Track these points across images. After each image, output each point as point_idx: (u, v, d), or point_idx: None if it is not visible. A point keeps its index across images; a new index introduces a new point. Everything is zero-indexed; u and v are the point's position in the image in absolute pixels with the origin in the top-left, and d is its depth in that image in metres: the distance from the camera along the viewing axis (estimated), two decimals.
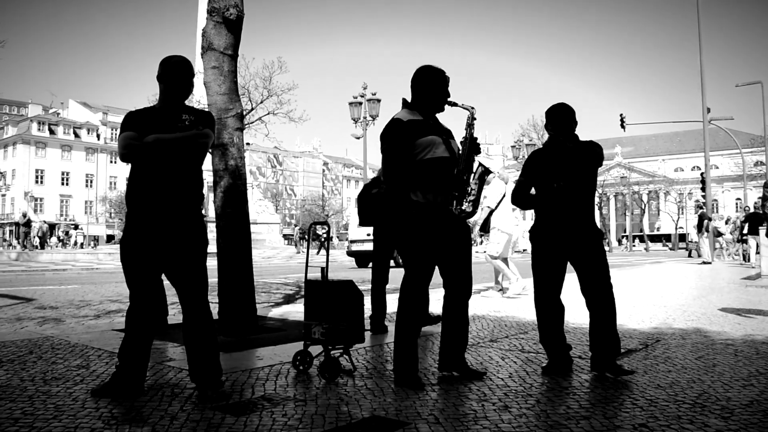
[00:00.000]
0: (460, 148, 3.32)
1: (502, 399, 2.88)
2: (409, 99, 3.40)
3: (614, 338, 3.42)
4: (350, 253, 19.72)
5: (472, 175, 3.24)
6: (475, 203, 3.26)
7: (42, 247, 31.79)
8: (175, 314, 6.29)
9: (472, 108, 3.33)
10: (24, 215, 29.67)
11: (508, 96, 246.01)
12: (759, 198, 18.97)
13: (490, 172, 3.33)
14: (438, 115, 3.43)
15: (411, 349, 3.21)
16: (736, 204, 67.40)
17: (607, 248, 46.26)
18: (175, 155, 2.94)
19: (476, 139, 3.33)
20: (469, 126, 3.33)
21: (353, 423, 2.50)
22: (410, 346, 3.21)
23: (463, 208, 3.20)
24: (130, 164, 3.02)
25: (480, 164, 3.26)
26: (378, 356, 3.91)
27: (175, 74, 3.02)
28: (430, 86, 3.33)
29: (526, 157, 3.76)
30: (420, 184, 3.22)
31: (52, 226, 64.49)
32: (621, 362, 3.49)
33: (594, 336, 3.46)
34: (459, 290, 3.35)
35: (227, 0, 4.91)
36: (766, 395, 2.92)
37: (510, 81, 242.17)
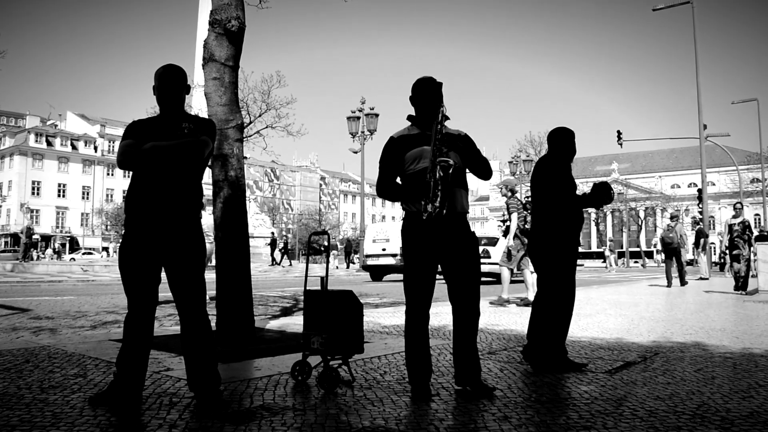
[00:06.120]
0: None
1: (502, 409, 2.87)
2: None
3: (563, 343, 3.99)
4: (365, 267, 19.91)
5: (434, 174, 3.05)
6: (442, 202, 3.03)
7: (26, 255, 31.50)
8: (172, 325, 6.26)
9: (442, 107, 3.18)
10: (28, 228, 29.77)
11: (505, 112, 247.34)
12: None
13: (450, 165, 3.02)
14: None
15: (420, 360, 3.19)
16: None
17: (605, 265, 46.11)
18: (172, 163, 2.95)
19: (440, 131, 3.10)
20: (438, 123, 3.12)
21: None
22: (419, 356, 3.20)
23: (429, 210, 3.04)
24: (130, 172, 3.04)
25: (439, 161, 3.03)
26: (377, 367, 3.90)
27: (160, 81, 3.05)
28: (421, 97, 3.31)
29: (540, 170, 3.96)
30: (411, 194, 3.23)
31: (47, 238, 64.40)
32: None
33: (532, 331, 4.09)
34: (462, 302, 3.24)
35: (229, 12, 4.95)
36: (766, 407, 2.92)
37: (508, 96, 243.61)
